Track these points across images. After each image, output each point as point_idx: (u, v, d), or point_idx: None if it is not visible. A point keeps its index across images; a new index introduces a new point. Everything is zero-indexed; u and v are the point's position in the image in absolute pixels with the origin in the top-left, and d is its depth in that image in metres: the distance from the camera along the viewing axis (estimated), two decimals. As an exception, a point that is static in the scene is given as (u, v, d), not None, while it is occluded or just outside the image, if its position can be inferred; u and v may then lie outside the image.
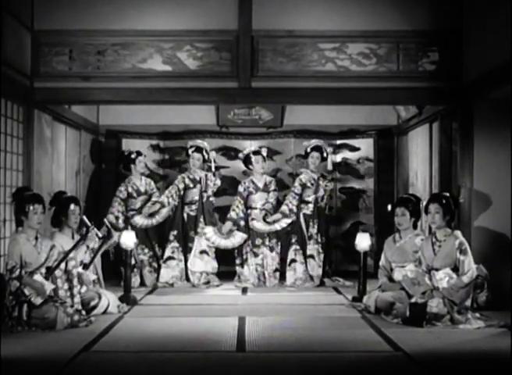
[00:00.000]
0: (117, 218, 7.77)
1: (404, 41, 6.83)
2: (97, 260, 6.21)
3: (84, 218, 6.11)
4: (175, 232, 7.85)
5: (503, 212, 6.37)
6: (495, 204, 6.47)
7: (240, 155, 8.06)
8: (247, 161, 7.96)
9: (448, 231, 5.71)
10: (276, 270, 7.78)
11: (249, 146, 8.94)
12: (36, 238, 5.51)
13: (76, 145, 8.11)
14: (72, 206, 6.00)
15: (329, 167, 8.03)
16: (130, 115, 8.70)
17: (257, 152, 7.89)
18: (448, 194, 5.87)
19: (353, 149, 8.96)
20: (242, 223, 7.77)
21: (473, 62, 6.52)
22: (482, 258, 6.17)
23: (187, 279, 7.78)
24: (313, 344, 4.81)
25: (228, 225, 7.74)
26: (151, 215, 7.81)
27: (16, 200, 5.57)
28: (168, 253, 7.82)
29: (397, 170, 8.88)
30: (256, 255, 7.76)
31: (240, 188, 7.91)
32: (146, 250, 7.85)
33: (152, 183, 8.15)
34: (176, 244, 7.81)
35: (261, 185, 7.90)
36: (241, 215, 7.79)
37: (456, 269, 5.56)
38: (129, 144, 8.84)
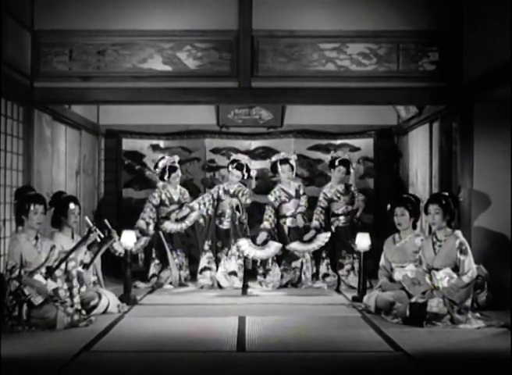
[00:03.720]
0: (148, 224, 7.69)
1: (404, 41, 6.83)
2: (97, 260, 6.20)
3: (86, 218, 6.11)
4: (209, 242, 7.74)
5: (503, 212, 6.38)
6: (495, 204, 6.47)
7: (268, 161, 7.97)
8: (273, 168, 7.86)
9: (448, 231, 5.71)
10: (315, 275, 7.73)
11: (249, 146, 8.94)
12: (36, 238, 5.51)
13: (76, 145, 8.12)
14: (71, 206, 6.00)
15: (351, 181, 8.06)
16: (130, 115, 8.70)
17: (284, 161, 7.76)
18: (448, 194, 5.87)
19: (353, 149, 8.96)
20: (274, 231, 7.69)
21: (473, 62, 6.52)
22: (482, 258, 6.17)
23: (219, 286, 7.58)
24: (313, 344, 4.81)
25: (262, 236, 7.58)
26: (180, 220, 7.69)
27: (17, 199, 5.58)
28: (204, 263, 7.68)
29: (397, 170, 8.89)
30: (294, 259, 7.66)
31: (271, 198, 7.78)
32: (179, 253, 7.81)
33: (187, 192, 8.01)
34: (210, 254, 7.68)
35: (292, 192, 7.81)
36: (273, 225, 7.72)
37: (456, 268, 5.56)
38: (129, 144, 8.87)
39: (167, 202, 7.83)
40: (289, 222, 7.76)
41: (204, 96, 6.92)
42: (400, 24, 6.81)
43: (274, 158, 7.85)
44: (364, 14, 6.81)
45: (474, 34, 6.52)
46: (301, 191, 7.86)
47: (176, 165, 7.89)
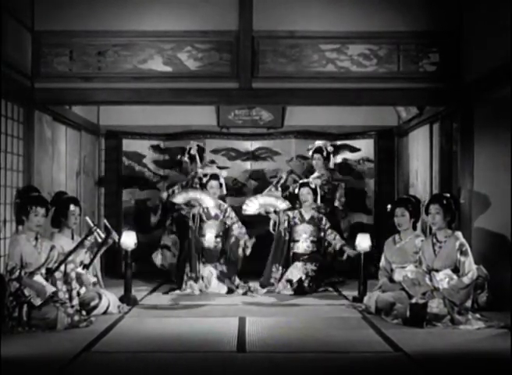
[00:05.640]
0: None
1: (404, 42, 6.83)
2: (97, 261, 6.21)
3: (87, 219, 6.11)
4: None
5: (503, 212, 6.37)
6: (495, 205, 6.46)
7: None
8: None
9: (448, 232, 5.71)
10: None
11: (249, 147, 8.94)
12: (36, 239, 5.51)
13: (77, 146, 8.12)
14: (71, 207, 6.01)
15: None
16: (131, 115, 8.71)
17: (304, 184, 7.62)
18: (449, 195, 5.87)
19: (354, 150, 8.96)
20: None
21: (473, 63, 6.52)
22: (482, 259, 6.17)
23: None
24: (313, 344, 4.81)
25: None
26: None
27: (20, 199, 5.57)
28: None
29: (397, 171, 8.89)
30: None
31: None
32: None
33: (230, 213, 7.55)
34: None
35: (307, 217, 7.61)
36: None
37: (456, 270, 5.56)
38: (129, 145, 8.87)
39: (204, 217, 7.44)
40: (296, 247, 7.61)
41: (204, 97, 6.92)
42: (400, 25, 6.81)
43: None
44: (365, 15, 6.80)
45: (474, 34, 6.52)
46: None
47: (219, 175, 7.54)
